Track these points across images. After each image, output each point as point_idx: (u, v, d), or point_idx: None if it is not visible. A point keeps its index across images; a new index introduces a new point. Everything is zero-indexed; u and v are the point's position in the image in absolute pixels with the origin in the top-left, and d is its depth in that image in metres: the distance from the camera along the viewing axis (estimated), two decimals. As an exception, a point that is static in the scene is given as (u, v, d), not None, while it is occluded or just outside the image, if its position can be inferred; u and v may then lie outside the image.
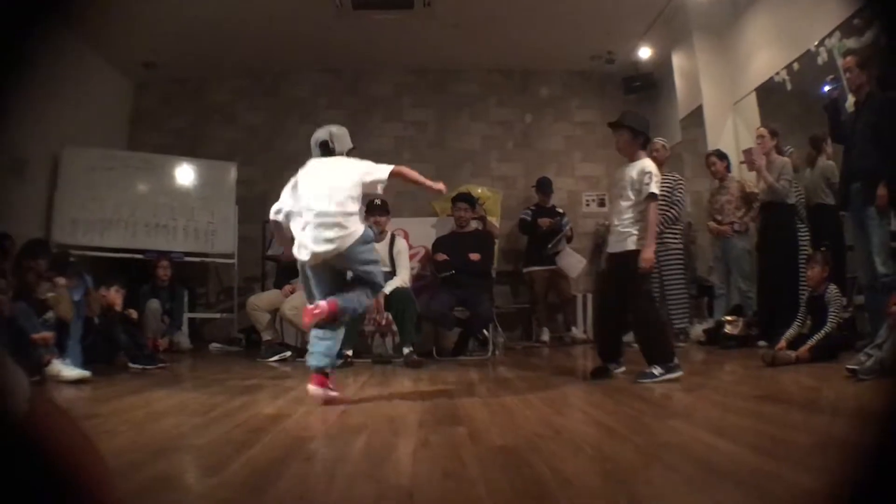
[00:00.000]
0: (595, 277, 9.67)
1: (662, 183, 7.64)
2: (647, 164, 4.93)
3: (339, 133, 4.49)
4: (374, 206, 7.11)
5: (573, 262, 9.08)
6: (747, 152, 7.10)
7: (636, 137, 5.01)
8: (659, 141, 7.97)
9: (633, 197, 4.91)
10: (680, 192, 7.45)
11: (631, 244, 4.85)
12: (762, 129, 7.04)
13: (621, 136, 5.03)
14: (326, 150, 4.44)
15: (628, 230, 4.89)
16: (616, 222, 5.03)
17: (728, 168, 7.61)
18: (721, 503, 1.90)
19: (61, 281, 5.76)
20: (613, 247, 5.03)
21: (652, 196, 4.82)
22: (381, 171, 4.27)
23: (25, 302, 5.46)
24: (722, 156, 7.62)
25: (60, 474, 1.07)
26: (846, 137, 5.85)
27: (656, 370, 4.65)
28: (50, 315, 5.55)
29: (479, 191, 9.46)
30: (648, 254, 4.79)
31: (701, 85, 8.84)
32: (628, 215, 4.92)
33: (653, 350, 4.80)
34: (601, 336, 5.49)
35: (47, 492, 1.06)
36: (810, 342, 5.36)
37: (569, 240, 9.20)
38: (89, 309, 6.13)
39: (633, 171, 4.95)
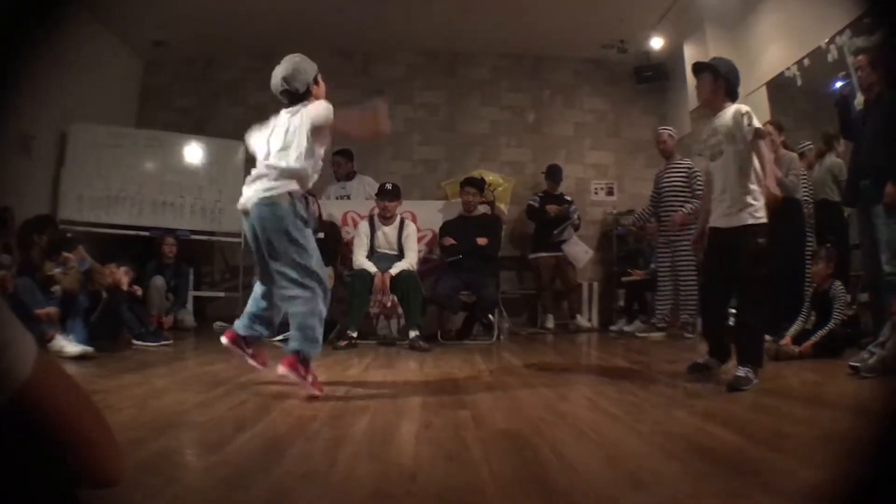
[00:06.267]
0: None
1: (677, 171, 7.64)
2: (741, 106, 4.20)
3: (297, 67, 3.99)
4: (385, 191, 7.12)
5: (579, 252, 9.06)
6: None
7: (718, 81, 4.28)
8: (665, 131, 7.93)
9: (742, 147, 4.15)
10: (700, 183, 7.38)
11: (748, 217, 4.07)
12: (769, 123, 7.01)
13: (703, 79, 4.35)
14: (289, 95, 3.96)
15: (742, 199, 4.09)
16: (722, 189, 4.25)
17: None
18: (722, 492, 1.90)
19: (70, 255, 5.77)
20: (720, 220, 4.25)
21: (760, 132, 4.10)
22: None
23: (29, 277, 5.47)
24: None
25: (64, 439, 1.07)
26: (856, 134, 5.83)
27: (751, 374, 3.92)
28: (56, 289, 5.56)
29: (491, 177, 9.45)
30: (774, 190, 4.07)
31: (712, 77, 8.80)
32: (740, 178, 4.13)
33: (750, 347, 4.07)
34: (707, 327, 4.61)
35: (49, 457, 1.07)
36: (814, 338, 5.38)
37: (576, 228, 9.18)
38: (95, 282, 6.13)
39: (725, 118, 4.24)
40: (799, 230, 6.71)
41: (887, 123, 5.31)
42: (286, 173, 3.71)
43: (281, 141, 3.80)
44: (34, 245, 5.78)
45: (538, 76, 11.02)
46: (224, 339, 4.04)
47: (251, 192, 3.74)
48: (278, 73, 3.93)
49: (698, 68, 4.40)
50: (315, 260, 3.71)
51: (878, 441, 1.73)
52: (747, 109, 4.15)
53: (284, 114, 3.90)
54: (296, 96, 3.92)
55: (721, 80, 4.29)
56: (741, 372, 3.91)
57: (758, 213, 4.06)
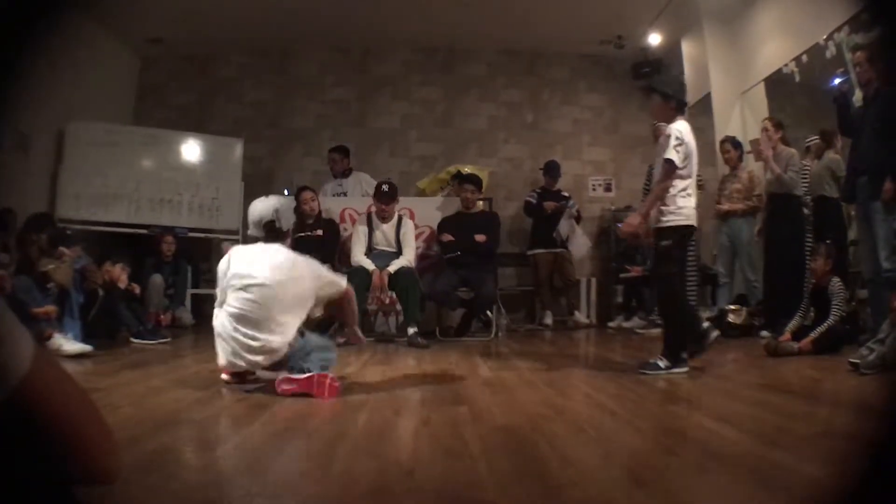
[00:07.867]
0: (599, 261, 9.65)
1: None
2: (674, 126, 4.45)
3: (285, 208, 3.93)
4: (382, 193, 7.06)
5: (580, 242, 9.07)
6: (755, 142, 7.08)
7: (667, 101, 4.56)
8: (662, 124, 7.89)
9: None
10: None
11: (661, 220, 4.43)
12: (767, 120, 7.01)
13: (653, 100, 4.64)
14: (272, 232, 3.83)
15: (661, 205, 4.43)
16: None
17: (741, 157, 7.53)
18: (721, 488, 1.90)
19: (66, 251, 5.76)
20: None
21: (665, 161, 4.39)
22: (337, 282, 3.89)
23: (27, 276, 5.46)
24: (736, 144, 7.53)
25: (61, 436, 1.07)
26: (854, 131, 5.83)
27: (662, 362, 4.36)
28: (52, 285, 5.55)
29: (466, 170, 9.38)
30: (631, 218, 4.56)
31: (709, 73, 8.77)
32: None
33: (668, 339, 4.52)
34: None
35: (47, 453, 1.06)
36: (813, 334, 5.36)
37: (578, 220, 9.16)
38: (89, 281, 6.13)
39: (666, 134, 4.50)
40: (798, 226, 6.71)
41: (885, 120, 5.31)
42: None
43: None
44: (32, 244, 5.76)
45: (535, 72, 10.97)
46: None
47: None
48: (269, 205, 3.85)
49: (647, 90, 4.74)
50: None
51: (877, 438, 1.73)
52: (669, 132, 4.42)
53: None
54: (278, 235, 3.81)
55: (672, 101, 4.57)
56: (654, 359, 4.41)
57: (665, 217, 4.42)
